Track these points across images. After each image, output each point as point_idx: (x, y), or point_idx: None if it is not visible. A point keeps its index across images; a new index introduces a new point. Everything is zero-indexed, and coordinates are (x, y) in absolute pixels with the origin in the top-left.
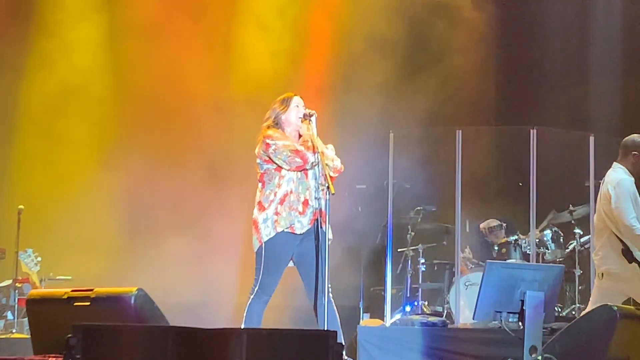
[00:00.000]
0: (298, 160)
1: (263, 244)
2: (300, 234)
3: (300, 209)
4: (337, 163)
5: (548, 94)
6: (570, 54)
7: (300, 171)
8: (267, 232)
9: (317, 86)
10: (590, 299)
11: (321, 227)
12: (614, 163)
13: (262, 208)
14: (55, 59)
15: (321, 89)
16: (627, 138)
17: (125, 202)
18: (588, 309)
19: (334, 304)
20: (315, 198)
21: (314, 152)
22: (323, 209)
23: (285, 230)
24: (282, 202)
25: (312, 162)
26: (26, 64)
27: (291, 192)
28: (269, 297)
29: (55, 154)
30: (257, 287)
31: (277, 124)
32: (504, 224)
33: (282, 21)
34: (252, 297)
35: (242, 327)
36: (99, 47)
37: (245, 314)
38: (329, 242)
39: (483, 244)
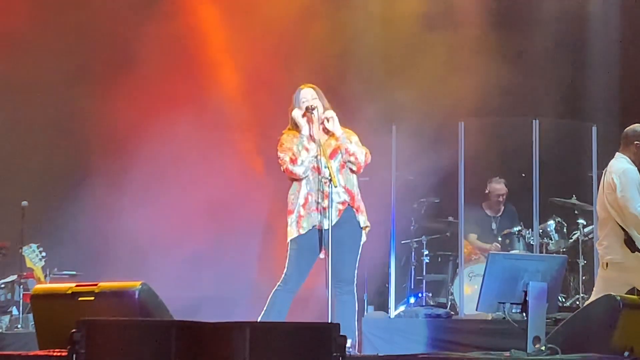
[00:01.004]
0: (293, 174)
1: (289, 242)
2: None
3: (325, 204)
4: (361, 157)
5: (550, 85)
6: (571, 43)
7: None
8: (291, 233)
9: (318, 79)
10: (594, 289)
11: (355, 216)
12: (617, 153)
13: (289, 212)
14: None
15: (323, 82)
16: (628, 128)
17: (130, 196)
18: (592, 299)
19: (355, 297)
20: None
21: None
22: (354, 195)
23: (310, 230)
24: (304, 205)
25: (304, 172)
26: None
27: (310, 194)
28: (293, 287)
29: (59, 147)
30: (283, 277)
31: (294, 125)
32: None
33: (281, 13)
34: (277, 285)
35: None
36: None
37: (267, 302)
38: (367, 230)
39: (485, 230)
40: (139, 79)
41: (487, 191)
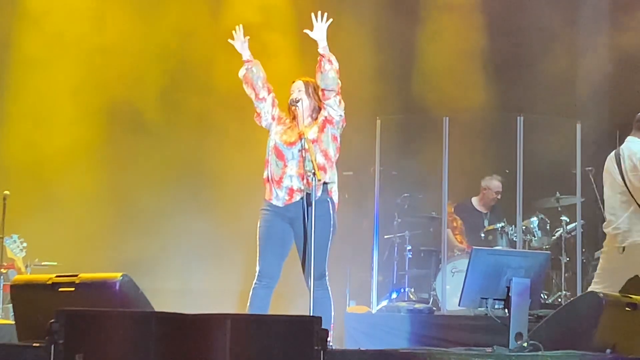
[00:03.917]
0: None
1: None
2: (281, 207)
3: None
4: (336, 111)
5: (535, 81)
6: (557, 40)
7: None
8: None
9: (303, 72)
10: (596, 278)
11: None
12: (629, 137)
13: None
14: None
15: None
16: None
17: (113, 187)
18: (593, 288)
19: (329, 290)
20: (290, 176)
21: (300, 138)
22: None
23: (267, 201)
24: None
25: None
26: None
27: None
28: (267, 280)
29: (40, 137)
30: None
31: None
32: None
33: (266, 12)
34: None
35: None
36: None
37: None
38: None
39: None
40: None
41: (483, 187)
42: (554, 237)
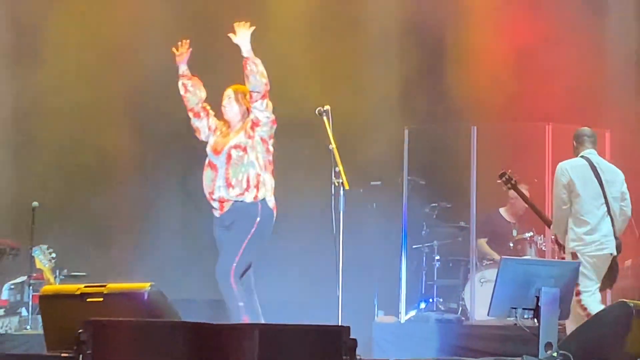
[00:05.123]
0: None
1: None
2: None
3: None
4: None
5: (564, 89)
6: (585, 47)
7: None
8: None
9: (331, 83)
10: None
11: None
12: (591, 150)
13: None
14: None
15: (335, 86)
16: None
17: (142, 197)
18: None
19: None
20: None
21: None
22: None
23: None
24: None
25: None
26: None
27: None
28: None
29: (70, 147)
30: None
31: None
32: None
33: (296, 20)
34: None
35: None
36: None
37: None
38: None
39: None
40: None
41: (511, 197)
42: None
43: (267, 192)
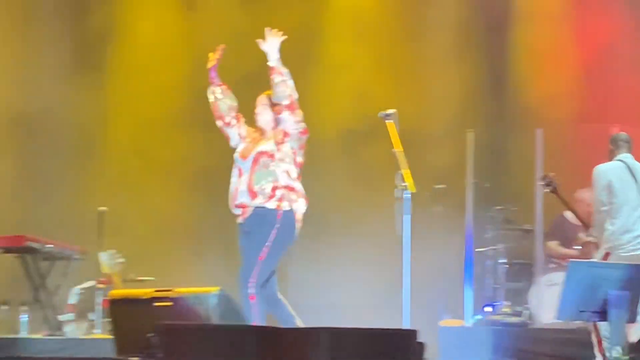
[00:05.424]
0: None
1: None
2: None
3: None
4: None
5: (631, 91)
6: None
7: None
8: None
9: (395, 86)
10: None
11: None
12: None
13: None
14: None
15: (399, 89)
16: None
17: (210, 201)
18: None
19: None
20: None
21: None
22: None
23: None
24: None
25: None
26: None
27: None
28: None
29: (136, 150)
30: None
31: None
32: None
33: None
34: None
35: None
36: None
37: None
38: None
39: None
40: None
41: (577, 200)
42: None
43: (295, 203)
